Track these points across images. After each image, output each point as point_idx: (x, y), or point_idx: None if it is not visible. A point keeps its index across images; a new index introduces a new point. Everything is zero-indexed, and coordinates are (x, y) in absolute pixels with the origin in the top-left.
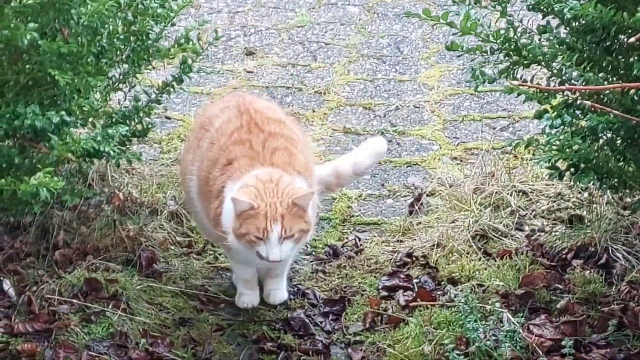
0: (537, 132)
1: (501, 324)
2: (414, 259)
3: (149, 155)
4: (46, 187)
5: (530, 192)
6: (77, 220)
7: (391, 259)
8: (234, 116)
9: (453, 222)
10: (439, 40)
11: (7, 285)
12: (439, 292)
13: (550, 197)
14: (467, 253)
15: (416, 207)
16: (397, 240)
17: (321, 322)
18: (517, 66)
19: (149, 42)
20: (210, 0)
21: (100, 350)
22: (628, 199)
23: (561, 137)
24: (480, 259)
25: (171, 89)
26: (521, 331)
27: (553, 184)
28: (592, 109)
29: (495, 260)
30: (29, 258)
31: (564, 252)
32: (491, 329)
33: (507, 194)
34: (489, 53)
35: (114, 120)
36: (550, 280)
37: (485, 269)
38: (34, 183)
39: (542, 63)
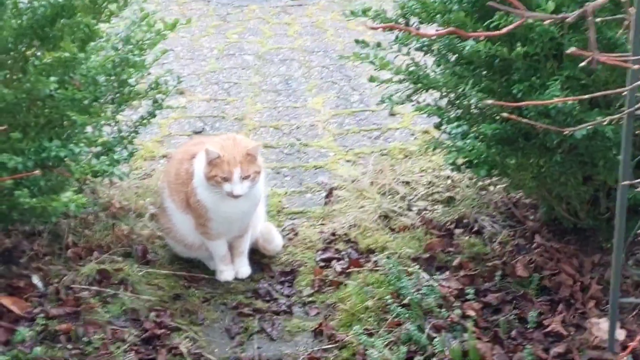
0: (400, 138)
1: (419, 281)
2: (338, 236)
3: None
4: (75, 202)
5: (411, 182)
6: (81, 226)
7: (320, 238)
8: (183, 145)
9: (361, 207)
10: (315, 77)
11: (36, 280)
12: (362, 260)
13: (424, 185)
14: (376, 229)
15: (330, 199)
16: (321, 224)
17: (280, 289)
18: (419, 91)
19: (130, 88)
20: None
21: (120, 325)
22: (480, 182)
23: (461, 141)
24: (387, 233)
25: (146, 122)
26: (435, 284)
27: (424, 175)
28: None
29: (398, 234)
30: (47, 257)
31: (447, 225)
32: (414, 285)
33: (395, 184)
34: (398, 82)
35: (106, 148)
36: (444, 246)
37: (393, 241)
38: (64, 200)
39: (437, 88)
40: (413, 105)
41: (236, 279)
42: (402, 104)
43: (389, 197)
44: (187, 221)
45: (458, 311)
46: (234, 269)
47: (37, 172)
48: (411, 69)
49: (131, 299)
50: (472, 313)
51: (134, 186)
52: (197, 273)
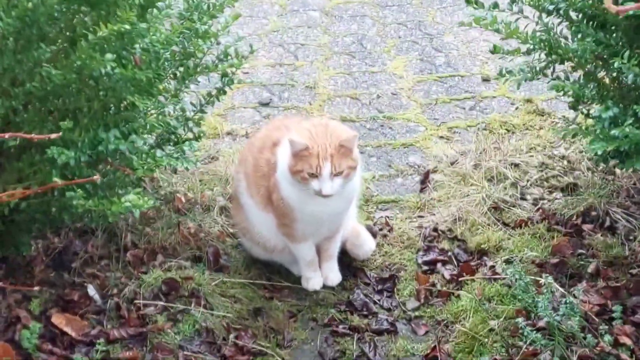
0: (499, 109)
1: (551, 294)
2: (440, 232)
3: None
4: (139, 207)
5: (520, 163)
6: (141, 222)
7: (420, 234)
8: (263, 129)
9: (465, 196)
10: (392, 36)
11: (92, 291)
12: (474, 263)
13: (536, 167)
14: (487, 224)
15: (426, 185)
16: (418, 216)
17: (379, 300)
18: (553, 63)
19: (197, 60)
20: None
21: (193, 349)
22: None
23: (608, 127)
24: (500, 230)
25: (214, 99)
26: (574, 300)
27: (532, 155)
28: None
29: (514, 230)
30: (103, 261)
31: (572, 219)
32: (548, 300)
33: (503, 167)
34: (526, 54)
35: (170, 131)
36: (573, 247)
37: (509, 239)
38: (127, 205)
39: (574, 59)
40: (546, 81)
41: (325, 286)
42: (531, 79)
43: (498, 183)
44: (268, 220)
45: (608, 337)
46: (322, 274)
47: (97, 177)
48: (543, 36)
49: (205, 316)
50: (626, 340)
51: (198, 172)
52: (278, 280)
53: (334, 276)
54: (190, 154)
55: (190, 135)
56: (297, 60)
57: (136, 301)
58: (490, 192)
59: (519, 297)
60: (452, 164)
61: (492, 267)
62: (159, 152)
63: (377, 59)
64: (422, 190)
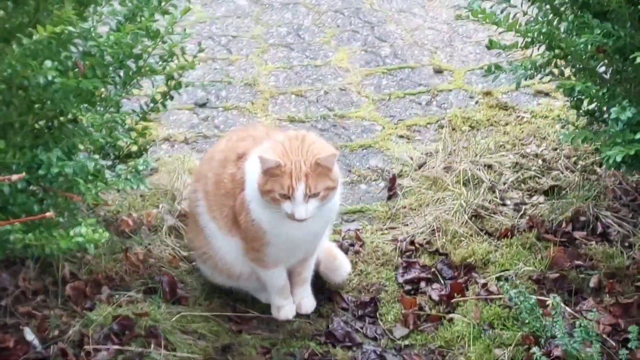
0: (457, 103)
1: (557, 316)
2: (418, 246)
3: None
4: (94, 242)
5: (493, 164)
6: (78, 249)
7: (396, 248)
8: (223, 141)
9: (440, 203)
10: (329, 25)
11: (30, 335)
12: (461, 280)
13: (511, 168)
14: (469, 235)
15: (393, 192)
16: (389, 227)
17: (361, 328)
18: (556, 59)
19: (142, 61)
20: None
21: None
22: (581, 162)
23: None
24: (485, 241)
25: (159, 107)
26: (585, 321)
27: (504, 155)
28: None
29: (500, 240)
30: (39, 296)
31: (562, 226)
32: (556, 324)
33: (476, 169)
34: (524, 48)
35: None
36: (570, 258)
37: (496, 251)
38: (79, 240)
39: (576, 54)
40: (544, 79)
41: (298, 315)
42: (532, 77)
43: (474, 187)
44: (233, 245)
45: None
46: (295, 301)
47: (50, 214)
48: (543, 29)
49: (167, 358)
50: None
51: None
52: (245, 310)
53: (309, 302)
54: (144, 172)
55: (133, 147)
56: (231, 54)
57: (85, 346)
58: (468, 198)
59: (526, 320)
60: (419, 167)
61: (485, 285)
62: (108, 173)
63: (318, 51)
64: (390, 197)
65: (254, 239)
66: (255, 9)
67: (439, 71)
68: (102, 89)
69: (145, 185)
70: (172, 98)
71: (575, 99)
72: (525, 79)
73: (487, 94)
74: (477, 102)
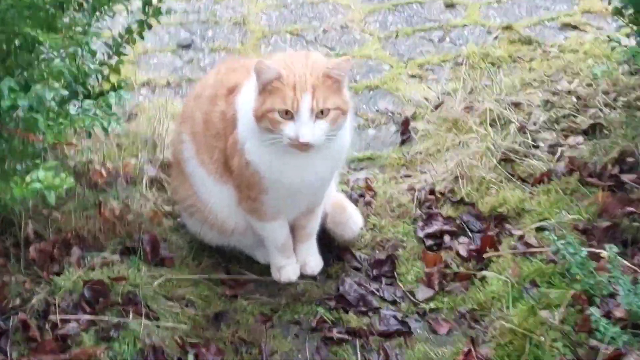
0: (474, 39)
1: (615, 270)
2: (439, 195)
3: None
4: (55, 188)
5: (521, 102)
6: (45, 206)
7: (413, 199)
8: (211, 73)
9: (462, 146)
10: None
11: None
12: (492, 233)
13: (541, 106)
14: (500, 182)
15: (407, 135)
16: (405, 176)
17: (378, 290)
18: None
19: None
20: None
21: None
22: (622, 98)
23: None
24: (517, 187)
25: (134, 38)
26: None
27: (531, 93)
28: None
29: (536, 187)
30: None
31: (607, 168)
32: (615, 279)
33: (502, 108)
34: None
35: (77, 80)
36: (621, 204)
37: (532, 199)
38: (36, 186)
39: None
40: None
41: (302, 276)
42: None
43: (500, 129)
44: (225, 194)
45: None
46: (299, 260)
47: None
48: None
49: (149, 329)
50: None
51: (113, 134)
52: (240, 271)
53: (315, 262)
54: (116, 110)
55: (106, 86)
56: None
57: (51, 316)
58: (495, 141)
59: (576, 276)
60: (436, 107)
61: (522, 237)
62: (72, 108)
63: None
64: (403, 142)
65: (249, 187)
66: None
67: (450, 5)
68: (69, 16)
69: (119, 124)
70: (150, 27)
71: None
72: None
73: (507, 28)
74: (496, 38)
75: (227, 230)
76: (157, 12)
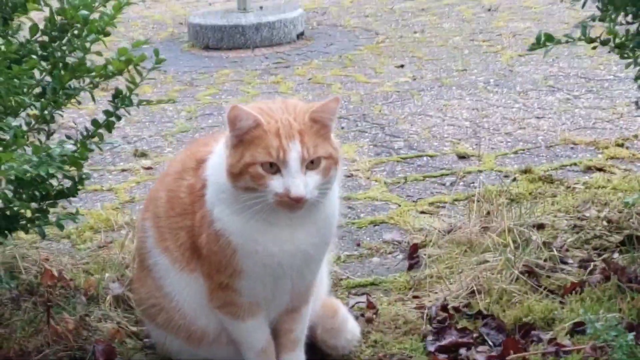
0: (490, 182)
1: None
2: (453, 311)
3: (61, 249)
4: None
5: (546, 224)
6: None
7: (422, 315)
8: (180, 153)
9: (480, 263)
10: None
11: None
12: (515, 337)
13: (568, 230)
14: (524, 292)
15: (415, 261)
16: (414, 296)
17: None
18: None
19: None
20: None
21: None
22: None
23: None
24: (545, 297)
25: (106, 131)
26: None
27: (557, 218)
28: None
29: (566, 297)
30: None
31: None
32: None
33: (523, 228)
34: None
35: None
36: None
37: (562, 308)
38: None
39: None
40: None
41: None
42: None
43: (521, 247)
44: (192, 286)
45: None
46: None
47: None
48: None
49: None
50: None
51: (81, 262)
52: None
53: None
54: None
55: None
56: None
57: None
58: (516, 253)
59: None
60: (448, 232)
61: (552, 340)
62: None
63: None
64: (411, 267)
65: (220, 269)
66: None
67: (463, 157)
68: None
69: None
70: (119, 118)
71: None
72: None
73: (526, 171)
74: (514, 180)
75: (195, 334)
76: (129, 102)
